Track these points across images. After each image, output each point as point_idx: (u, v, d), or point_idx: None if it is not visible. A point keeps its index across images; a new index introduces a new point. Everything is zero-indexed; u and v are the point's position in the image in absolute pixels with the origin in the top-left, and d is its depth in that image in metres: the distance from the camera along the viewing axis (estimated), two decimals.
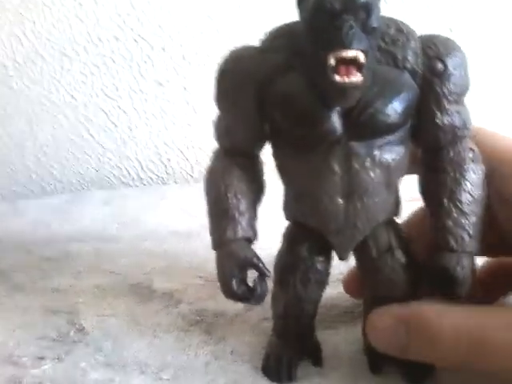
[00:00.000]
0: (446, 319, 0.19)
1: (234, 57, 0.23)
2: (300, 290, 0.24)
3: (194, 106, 0.53)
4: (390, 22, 0.21)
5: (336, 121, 0.20)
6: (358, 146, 0.20)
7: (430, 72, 0.20)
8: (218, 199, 0.24)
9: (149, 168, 0.56)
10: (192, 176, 0.56)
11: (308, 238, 0.24)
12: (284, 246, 0.25)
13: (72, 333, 0.31)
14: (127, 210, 0.46)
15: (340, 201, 0.22)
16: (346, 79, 0.18)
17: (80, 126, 0.55)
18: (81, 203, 0.48)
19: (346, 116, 0.20)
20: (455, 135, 0.21)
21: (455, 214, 0.21)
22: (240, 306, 0.30)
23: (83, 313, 0.32)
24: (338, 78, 0.18)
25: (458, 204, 0.21)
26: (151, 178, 0.56)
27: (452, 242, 0.21)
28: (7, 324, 0.32)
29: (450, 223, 0.21)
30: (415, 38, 0.21)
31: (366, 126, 0.20)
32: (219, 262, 0.24)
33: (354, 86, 0.18)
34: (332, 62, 0.18)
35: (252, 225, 0.24)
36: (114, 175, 0.57)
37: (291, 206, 0.25)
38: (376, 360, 0.24)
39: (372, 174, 0.21)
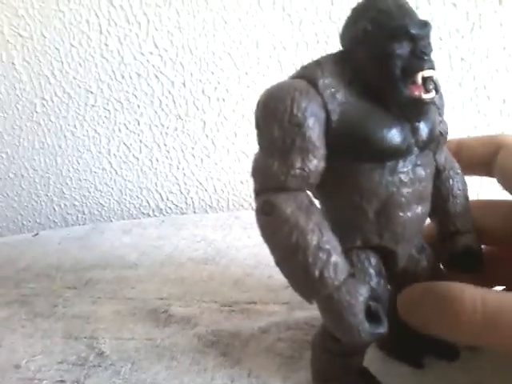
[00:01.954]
0: (466, 293, 0.21)
1: None
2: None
3: (212, 139, 0.54)
4: None
5: (408, 134, 0.21)
6: (421, 157, 0.22)
7: None
8: (305, 246, 0.19)
9: (168, 199, 0.57)
10: (210, 206, 0.57)
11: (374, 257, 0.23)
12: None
13: (91, 357, 0.31)
14: (146, 238, 0.47)
15: (410, 210, 0.22)
16: (428, 96, 0.20)
17: (102, 159, 0.57)
18: (102, 233, 0.49)
19: (412, 130, 0.21)
20: (445, 140, 0.25)
21: (463, 202, 0.25)
22: (255, 327, 0.31)
23: (102, 337, 0.33)
24: (423, 95, 0.20)
25: (460, 193, 0.25)
26: (170, 209, 0.58)
27: (468, 225, 0.25)
28: (28, 348, 0.32)
29: (461, 209, 0.25)
30: None
31: (426, 137, 0.22)
32: (332, 308, 0.20)
33: (431, 102, 0.20)
34: (419, 81, 0.20)
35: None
36: (134, 206, 0.58)
37: (357, 231, 0.22)
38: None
39: (430, 184, 0.23)
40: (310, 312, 0.32)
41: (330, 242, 0.20)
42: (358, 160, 0.21)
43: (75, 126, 0.56)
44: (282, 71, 0.50)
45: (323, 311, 0.20)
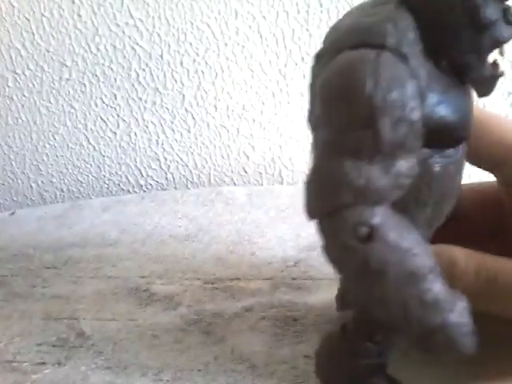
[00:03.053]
0: (471, 258, 0.20)
1: None
2: None
3: (191, 113, 0.53)
4: None
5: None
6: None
7: None
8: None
9: (148, 175, 0.56)
10: (191, 181, 0.56)
11: None
12: None
13: (72, 338, 0.31)
14: (126, 215, 0.46)
15: (452, 201, 0.20)
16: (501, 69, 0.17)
17: (79, 134, 0.55)
18: (80, 210, 0.48)
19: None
20: None
21: None
22: (238, 305, 0.31)
23: (83, 318, 0.32)
24: (499, 67, 0.17)
25: None
26: (151, 185, 0.57)
27: None
28: (7, 330, 0.32)
29: None
30: None
31: None
32: (447, 332, 0.17)
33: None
34: (504, 52, 0.17)
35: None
36: (113, 182, 0.57)
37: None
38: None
39: None
40: (293, 289, 0.32)
41: (433, 257, 0.17)
42: (430, 147, 0.17)
43: (50, 101, 0.54)
44: (262, 42, 0.49)
45: (428, 338, 0.17)
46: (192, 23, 0.49)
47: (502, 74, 0.17)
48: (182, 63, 0.51)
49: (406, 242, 0.16)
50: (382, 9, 0.17)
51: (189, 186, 0.56)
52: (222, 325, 0.29)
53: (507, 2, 0.16)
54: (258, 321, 0.29)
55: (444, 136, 0.17)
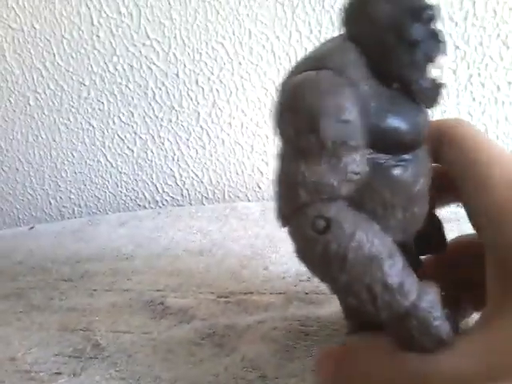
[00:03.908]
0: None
1: None
2: None
3: (207, 130, 0.54)
4: None
5: (425, 121, 0.20)
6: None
7: None
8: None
9: (164, 190, 0.57)
10: (206, 197, 0.57)
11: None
12: None
13: (88, 349, 0.31)
14: (142, 230, 0.47)
15: (424, 205, 0.21)
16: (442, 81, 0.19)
17: (97, 151, 0.57)
18: (97, 225, 0.49)
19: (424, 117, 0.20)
20: None
21: None
22: (251, 319, 0.31)
23: (99, 330, 0.33)
24: (439, 79, 0.19)
25: None
26: (166, 200, 0.58)
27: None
28: (25, 341, 0.33)
29: None
30: None
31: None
32: (417, 316, 0.18)
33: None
34: (441, 64, 0.19)
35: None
36: (130, 198, 0.58)
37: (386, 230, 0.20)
38: None
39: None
40: (306, 303, 0.32)
41: (395, 247, 0.18)
42: (385, 152, 0.19)
43: (69, 119, 0.56)
44: (275, 61, 0.50)
45: (402, 324, 0.18)
46: (207, 43, 0.50)
47: (441, 86, 0.19)
48: (197, 82, 0.52)
49: (362, 231, 0.17)
50: (332, 42, 0.20)
51: (204, 202, 0.57)
52: (234, 337, 0.30)
53: (436, 25, 0.19)
54: (270, 331, 0.29)
55: (394, 142, 0.19)
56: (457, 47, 0.47)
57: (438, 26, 0.19)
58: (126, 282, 0.38)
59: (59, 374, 0.29)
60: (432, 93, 0.19)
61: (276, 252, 0.39)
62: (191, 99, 0.53)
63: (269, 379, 0.26)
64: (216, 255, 0.41)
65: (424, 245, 0.22)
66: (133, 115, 0.55)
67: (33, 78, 0.54)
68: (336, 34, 0.23)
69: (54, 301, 0.37)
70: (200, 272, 0.38)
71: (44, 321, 0.35)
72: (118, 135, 0.56)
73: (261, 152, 0.54)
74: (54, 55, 0.53)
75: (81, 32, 0.52)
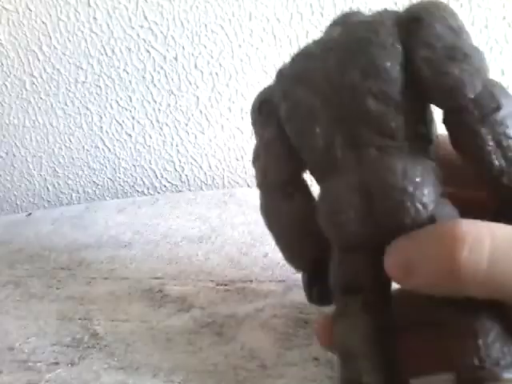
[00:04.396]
0: (470, 229, 0.16)
1: None
2: None
3: (206, 115, 0.53)
4: None
5: None
6: None
7: None
8: None
9: (163, 176, 0.57)
10: (205, 183, 0.56)
11: None
12: None
13: (86, 338, 0.31)
14: (140, 217, 0.46)
15: None
16: None
17: (95, 136, 0.56)
18: (95, 212, 0.49)
19: None
20: None
21: None
22: (250, 307, 0.30)
23: (97, 319, 0.33)
24: None
25: None
26: (165, 186, 0.57)
27: None
28: (23, 330, 0.32)
29: None
30: None
31: None
32: None
33: None
34: None
35: None
36: (128, 184, 0.57)
37: None
38: None
39: None
40: None
41: None
42: None
43: (66, 104, 0.55)
44: (276, 44, 0.49)
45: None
46: (206, 25, 0.49)
47: None
48: (196, 65, 0.51)
49: None
50: None
51: (203, 188, 0.56)
52: (233, 325, 0.29)
53: None
54: (270, 318, 0.29)
55: None
56: None
57: None
58: (124, 269, 0.38)
59: (57, 363, 0.29)
60: None
61: None
62: (190, 83, 0.52)
63: (269, 368, 0.26)
64: (215, 242, 0.40)
65: None
66: (131, 100, 0.54)
67: (29, 62, 0.53)
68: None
69: (51, 289, 0.37)
70: (199, 259, 0.38)
71: (42, 309, 0.34)
72: (115, 120, 0.55)
73: None
74: (51, 38, 0.52)
75: (77, 14, 0.51)
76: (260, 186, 0.23)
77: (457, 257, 0.16)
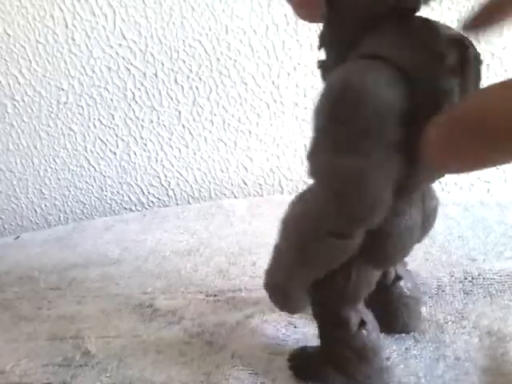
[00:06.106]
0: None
1: None
2: None
3: (188, 129, 0.54)
4: None
5: None
6: None
7: None
8: None
9: (150, 192, 0.57)
10: (192, 196, 0.56)
11: None
12: None
13: (78, 357, 0.31)
14: (129, 233, 0.46)
15: None
16: None
17: (79, 156, 0.56)
18: (83, 231, 0.49)
19: None
20: None
21: None
22: (240, 315, 0.31)
23: (88, 337, 0.33)
24: None
25: None
26: (153, 202, 0.57)
27: None
28: (14, 353, 0.32)
29: None
30: None
31: None
32: None
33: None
34: None
35: None
36: (115, 202, 0.58)
37: None
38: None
39: None
40: None
41: None
42: None
43: (49, 125, 0.55)
44: (253, 55, 0.49)
45: None
46: (184, 41, 0.50)
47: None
48: (176, 80, 0.52)
49: None
50: None
51: (190, 201, 0.56)
52: (223, 334, 0.30)
53: None
54: (259, 324, 0.29)
55: None
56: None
57: None
58: (114, 286, 0.38)
59: (49, 383, 0.29)
60: None
61: (263, 246, 0.39)
62: (171, 98, 0.52)
63: (260, 375, 0.26)
64: (203, 254, 0.40)
65: None
66: (113, 118, 0.54)
67: (9, 85, 0.53)
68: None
69: (42, 310, 0.37)
70: (188, 272, 0.38)
71: (33, 331, 0.34)
72: (99, 139, 0.55)
73: (244, 148, 0.53)
74: (30, 61, 0.52)
75: (55, 36, 0.51)
76: None
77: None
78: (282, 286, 0.23)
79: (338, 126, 0.17)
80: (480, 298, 0.29)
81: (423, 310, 0.29)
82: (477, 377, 0.23)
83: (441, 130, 0.15)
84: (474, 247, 0.36)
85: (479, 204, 0.42)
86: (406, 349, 0.26)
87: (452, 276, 0.31)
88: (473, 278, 0.31)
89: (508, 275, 0.30)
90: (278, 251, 0.22)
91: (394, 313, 0.26)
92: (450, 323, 0.27)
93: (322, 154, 0.17)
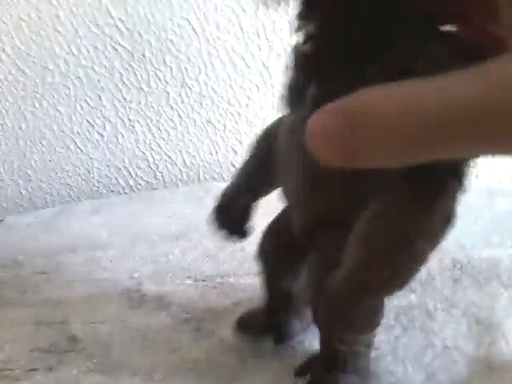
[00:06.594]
0: (396, 95, 0.14)
1: None
2: None
3: (177, 110, 0.53)
4: None
5: None
6: None
7: None
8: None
9: (137, 175, 0.56)
10: (181, 179, 0.56)
11: None
12: None
13: (63, 342, 0.31)
14: (116, 217, 0.46)
15: None
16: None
17: (66, 138, 0.55)
18: (70, 214, 0.48)
19: None
20: None
21: None
22: (228, 301, 0.30)
23: (75, 322, 0.32)
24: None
25: None
26: (140, 185, 0.56)
27: None
28: None
29: None
30: None
31: None
32: None
33: None
34: None
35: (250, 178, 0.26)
36: (103, 184, 0.57)
37: None
38: None
39: None
40: None
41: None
42: None
43: (34, 106, 0.54)
44: (243, 35, 0.48)
45: None
46: (172, 20, 0.49)
47: None
48: (164, 61, 0.51)
49: None
50: None
51: (179, 184, 0.56)
52: (212, 320, 0.29)
53: None
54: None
55: None
56: None
57: None
58: (101, 271, 0.38)
59: (35, 369, 0.29)
60: None
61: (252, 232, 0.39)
62: (159, 79, 0.51)
63: (248, 362, 0.26)
64: (192, 238, 0.40)
65: None
66: (100, 99, 0.53)
67: None
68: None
69: (27, 294, 0.36)
70: (176, 257, 0.38)
71: (17, 316, 0.34)
72: (86, 120, 0.54)
73: (234, 131, 0.53)
74: (13, 38, 0.51)
75: (39, 12, 0.49)
76: None
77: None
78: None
79: None
80: (469, 286, 0.29)
81: (412, 297, 0.29)
82: (464, 365, 0.23)
83: (327, 119, 0.14)
84: (463, 234, 0.36)
85: (467, 190, 0.42)
86: (396, 337, 0.26)
87: (441, 263, 0.31)
88: (461, 266, 0.31)
89: (496, 263, 0.30)
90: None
91: None
92: (439, 311, 0.27)
93: None
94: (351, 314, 0.20)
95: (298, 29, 0.19)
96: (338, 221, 0.21)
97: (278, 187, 0.25)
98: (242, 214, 0.26)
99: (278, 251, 0.25)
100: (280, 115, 0.24)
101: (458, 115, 0.13)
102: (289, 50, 0.21)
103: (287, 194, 0.23)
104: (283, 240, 0.25)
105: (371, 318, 0.21)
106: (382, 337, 0.26)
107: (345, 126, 0.14)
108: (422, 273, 0.31)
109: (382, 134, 0.14)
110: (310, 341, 0.26)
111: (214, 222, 0.26)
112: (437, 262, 0.31)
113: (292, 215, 0.23)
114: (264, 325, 0.27)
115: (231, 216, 0.26)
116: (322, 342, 0.23)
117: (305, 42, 0.19)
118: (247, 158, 0.26)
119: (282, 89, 0.22)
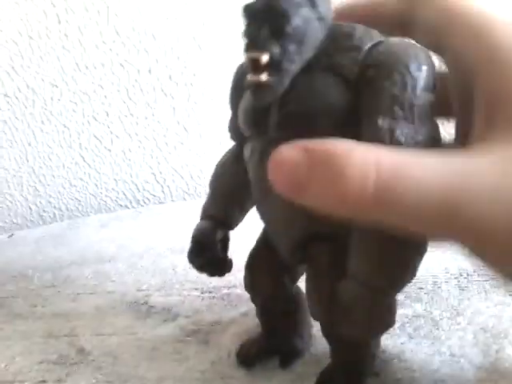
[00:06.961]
0: (356, 154, 0.15)
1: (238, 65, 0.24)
2: None
3: (183, 125, 0.53)
4: (353, 29, 0.20)
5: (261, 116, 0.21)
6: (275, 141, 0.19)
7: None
8: (212, 178, 0.27)
9: (145, 189, 0.57)
10: (188, 193, 0.56)
11: None
12: None
13: (72, 354, 0.31)
14: (124, 230, 0.46)
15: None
16: (253, 78, 0.18)
17: (74, 153, 0.56)
18: (78, 229, 0.49)
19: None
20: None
21: None
22: (235, 312, 0.31)
23: (83, 334, 0.32)
24: (248, 76, 0.18)
25: None
26: (148, 199, 0.57)
27: None
28: (8, 351, 0.32)
29: None
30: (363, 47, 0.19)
31: (280, 120, 0.20)
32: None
33: (259, 85, 0.18)
34: (245, 61, 0.18)
35: (227, 207, 0.26)
36: (110, 199, 0.57)
37: None
38: None
39: None
40: None
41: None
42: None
43: (43, 122, 0.55)
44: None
45: None
46: (178, 37, 0.50)
47: (250, 82, 0.19)
48: (170, 77, 0.51)
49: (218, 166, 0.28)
50: None
51: (185, 198, 0.56)
52: (219, 332, 0.29)
53: None
54: (255, 323, 0.29)
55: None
56: None
57: None
58: (109, 283, 0.38)
59: (44, 381, 0.29)
60: (249, 89, 0.19)
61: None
62: (166, 95, 0.52)
63: (256, 374, 0.26)
64: None
65: None
66: (108, 114, 0.54)
67: (2, 82, 0.53)
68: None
69: (36, 308, 0.37)
70: (183, 269, 0.38)
71: (27, 329, 0.34)
72: (94, 136, 0.55)
73: None
74: (23, 57, 0.52)
75: (48, 31, 0.51)
76: None
77: (344, 182, 0.15)
78: None
79: None
80: (475, 294, 0.29)
81: (418, 306, 0.29)
82: (472, 373, 0.23)
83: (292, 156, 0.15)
84: None
85: None
86: (402, 343, 0.26)
87: (447, 272, 0.31)
88: (468, 275, 0.31)
89: None
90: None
91: None
92: (445, 319, 0.27)
93: None
94: (367, 316, 0.20)
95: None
96: (329, 234, 0.21)
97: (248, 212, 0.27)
98: (219, 251, 0.26)
99: (266, 277, 0.25)
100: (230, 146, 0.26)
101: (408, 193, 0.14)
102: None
103: (268, 216, 0.23)
104: (270, 266, 0.25)
105: (387, 316, 0.21)
106: (387, 342, 0.26)
107: (304, 163, 0.15)
108: (428, 282, 0.31)
109: (331, 182, 0.15)
110: (317, 350, 0.27)
111: (192, 264, 0.26)
112: (443, 271, 0.31)
113: (276, 238, 0.23)
114: (264, 350, 0.26)
115: (210, 255, 0.26)
116: (336, 353, 0.23)
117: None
118: (213, 190, 0.27)
119: (237, 112, 0.23)
